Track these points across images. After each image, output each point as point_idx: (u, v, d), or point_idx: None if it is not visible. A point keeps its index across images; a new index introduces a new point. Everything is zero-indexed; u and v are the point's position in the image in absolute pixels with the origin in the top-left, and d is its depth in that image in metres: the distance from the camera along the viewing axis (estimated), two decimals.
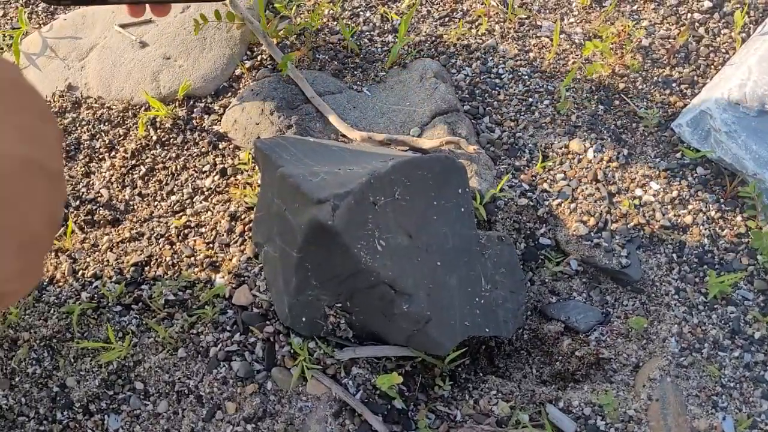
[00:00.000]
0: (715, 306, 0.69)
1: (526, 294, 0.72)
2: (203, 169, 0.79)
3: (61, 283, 0.72)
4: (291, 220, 0.61)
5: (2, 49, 0.93)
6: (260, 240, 0.68)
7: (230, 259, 0.72)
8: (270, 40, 0.84)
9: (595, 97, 0.82)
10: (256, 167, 0.77)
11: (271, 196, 0.64)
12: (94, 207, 0.77)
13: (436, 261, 0.63)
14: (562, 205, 0.75)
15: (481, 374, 0.70)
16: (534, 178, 0.77)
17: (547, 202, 0.76)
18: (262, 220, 0.67)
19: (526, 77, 0.84)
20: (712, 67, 0.82)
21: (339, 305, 0.63)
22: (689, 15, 0.87)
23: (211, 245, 0.73)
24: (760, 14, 0.86)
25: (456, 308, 0.64)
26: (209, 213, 0.76)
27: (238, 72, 0.87)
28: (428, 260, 0.62)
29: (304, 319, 0.64)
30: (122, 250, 0.74)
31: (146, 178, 0.79)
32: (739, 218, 0.73)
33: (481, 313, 0.66)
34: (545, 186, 0.77)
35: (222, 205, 0.76)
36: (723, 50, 0.84)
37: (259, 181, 0.76)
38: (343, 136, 0.79)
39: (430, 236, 0.63)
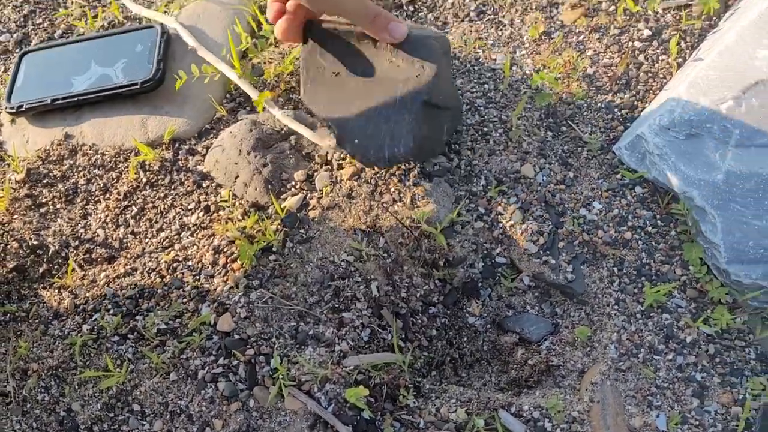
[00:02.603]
0: (652, 314, 0.76)
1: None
2: (189, 207, 0.87)
3: (64, 318, 0.80)
4: None
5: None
6: None
7: (215, 289, 0.80)
8: (244, 81, 0.92)
9: (544, 124, 0.89)
10: (236, 203, 0.85)
11: None
12: (92, 246, 0.85)
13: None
14: (515, 226, 0.83)
15: (444, 384, 0.78)
16: (489, 202, 0.85)
17: (501, 224, 0.83)
18: None
19: (482, 108, 0.92)
20: (651, 92, 0.90)
21: None
22: (630, 43, 0.94)
23: (197, 277, 0.81)
24: (695, 40, 0.93)
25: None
26: (195, 247, 0.83)
27: (218, 114, 0.95)
28: None
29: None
30: (118, 284, 0.82)
31: (138, 217, 0.87)
32: (673, 232, 0.80)
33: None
34: (499, 209, 0.84)
35: (206, 239, 0.84)
36: (661, 76, 0.91)
37: (238, 217, 0.83)
38: (307, 158, 0.87)
39: None
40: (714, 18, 0.95)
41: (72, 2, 1.10)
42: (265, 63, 0.97)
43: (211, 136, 0.93)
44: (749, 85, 0.79)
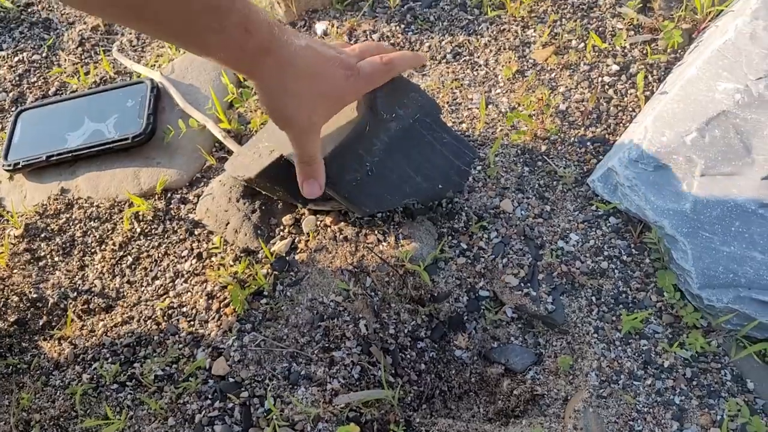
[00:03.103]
0: (630, 341, 0.79)
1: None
2: (182, 255, 0.90)
3: (64, 368, 0.83)
4: None
5: None
6: None
7: (209, 334, 0.82)
8: (228, 138, 0.96)
9: (521, 160, 0.93)
10: (227, 249, 0.88)
11: None
12: (90, 297, 0.89)
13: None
14: (496, 260, 0.86)
15: (434, 417, 0.80)
16: (471, 237, 0.88)
17: (483, 259, 0.86)
18: None
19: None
20: (621, 125, 0.94)
21: None
22: (600, 79, 0.98)
23: (192, 322, 0.84)
24: (662, 73, 0.97)
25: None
26: (189, 294, 0.87)
27: (208, 163, 0.98)
28: None
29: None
30: (116, 333, 0.85)
31: (133, 266, 0.91)
32: (647, 260, 0.83)
33: None
34: (481, 244, 0.87)
35: (200, 285, 0.87)
36: (630, 109, 0.95)
37: (230, 263, 0.87)
38: (294, 205, 0.91)
39: None
40: (679, 51, 0.99)
41: (65, 60, 1.15)
42: (250, 112, 1.01)
43: (202, 184, 0.97)
44: (711, 116, 0.83)
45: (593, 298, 0.82)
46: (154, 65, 1.10)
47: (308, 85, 0.65)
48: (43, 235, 0.94)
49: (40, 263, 0.92)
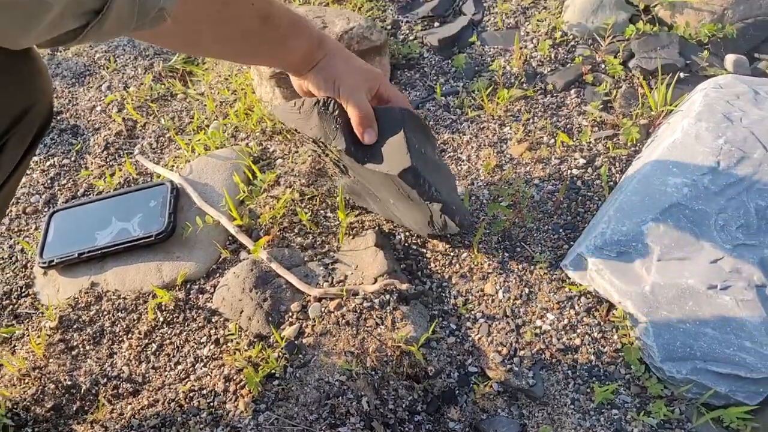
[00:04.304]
0: (602, 410, 0.88)
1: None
2: (201, 341, 1.01)
3: None
4: None
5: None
6: None
7: (227, 414, 0.92)
8: (241, 233, 1.08)
9: (501, 246, 1.05)
10: (242, 335, 0.99)
11: None
12: (119, 382, 0.98)
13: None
14: (482, 338, 0.96)
15: None
16: (459, 318, 0.99)
17: (470, 338, 0.97)
18: None
19: (449, 236, 1.07)
20: (589, 213, 1.06)
21: None
22: (569, 171, 1.11)
23: (211, 404, 0.94)
24: (624, 165, 1.10)
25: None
26: (208, 377, 0.96)
27: (223, 256, 1.10)
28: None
29: None
30: (143, 415, 0.94)
31: (157, 353, 1.01)
32: (616, 336, 0.94)
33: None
34: (468, 324, 0.98)
35: (218, 369, 0.97)
36: (597, 198, 1.07)
37: (245, 348, 0.97)
38: (301, 291, 1.01)
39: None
40: (638, 144, 1.12)
41: (92, 163, 1.28)
42: (260, 207, 1.13)
43: (218, 275, 1.08)
44: (664, 208, 0.95)
45: (569, 371, 0.92)
46: (173, 167, 1.23)
47: (346, 63, 0.90)
48: (75, 326, 1.05)
49: (73, 352, 1.02)
